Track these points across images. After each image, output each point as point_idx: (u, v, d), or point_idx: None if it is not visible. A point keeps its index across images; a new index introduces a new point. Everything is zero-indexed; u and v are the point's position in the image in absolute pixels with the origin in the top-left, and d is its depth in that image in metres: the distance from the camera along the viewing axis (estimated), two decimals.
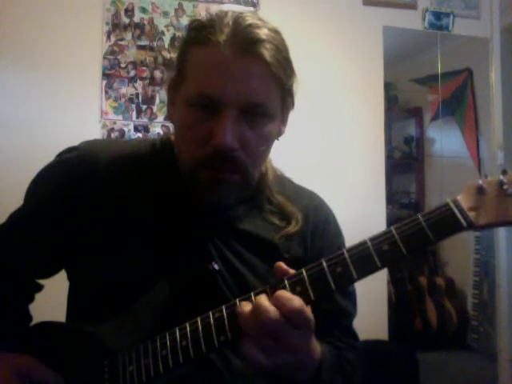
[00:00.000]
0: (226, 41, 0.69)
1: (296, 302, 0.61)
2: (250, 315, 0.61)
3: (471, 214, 0.60)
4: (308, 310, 0.62)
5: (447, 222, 0.61)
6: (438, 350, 2.54)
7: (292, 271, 0.65)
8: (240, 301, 0.65)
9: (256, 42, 0.69)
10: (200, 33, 0.72)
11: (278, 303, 0.61)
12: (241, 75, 0.69)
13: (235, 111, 0.70)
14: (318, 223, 0.86)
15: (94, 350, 0.72)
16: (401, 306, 2.58)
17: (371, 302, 1.92)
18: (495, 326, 2.60)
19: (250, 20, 0.71)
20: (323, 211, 0.89)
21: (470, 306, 2.75)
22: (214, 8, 2.32)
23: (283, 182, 0.89)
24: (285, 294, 0.62)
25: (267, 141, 0.76)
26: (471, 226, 0.60)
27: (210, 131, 0.70)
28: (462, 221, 0.60)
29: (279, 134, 0.80)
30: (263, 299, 0.61)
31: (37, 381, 0.72)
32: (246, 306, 0.62)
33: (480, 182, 0.62)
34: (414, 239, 0.61)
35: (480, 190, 0.61)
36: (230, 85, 0.69)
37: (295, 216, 0.83)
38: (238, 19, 0.71)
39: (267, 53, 0.70)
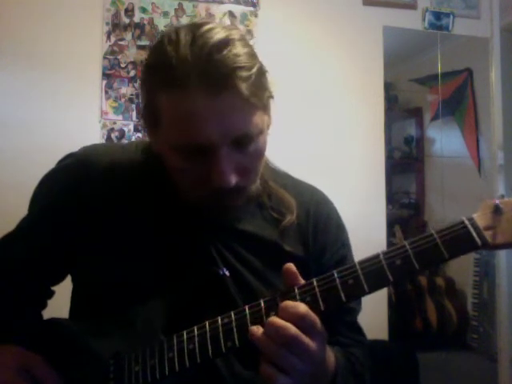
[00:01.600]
0: (196, 80, 0.64)
1: (301, 307, 0.61)
2: (265, 337, 0.61)
3: (487, 234, 0.60)
4: (313, 315, 0.62)
5: (462, 240, 0.60)
6: (438, 350, 2.54)
7: (302, 280, 0.66)
8: (249, 308, 0.66)
9: (227, 75, 0.64)
10: (163, 75, 0.67)
11: (283, 314, 0.61)
12: (223, 114, 0.66)
13: (227, 148, 0.68)
14: (320, 218, 0.85)
15: (100, 349, 0.72)
16: (401, 306, 2.57)
17: (371, 301, 1.91)
18: (495, 326, 2.61)
19: (207, 41, 0.65)
20: (325, 206, 0.88)
21: (469, 306, 2.75)
22: (214, 8, 2.32)
23: (281, 176, 0.88)
24: (288, 303, 0.62)
25: (261, 154, 0.74)
26: (486, 245, 0.60)
27: (207, 172, 0.68)
28: (477, 239, 0.60)
29: (268, 127, 0.77)
30: (274, 319, 0.62)
31: (35, 377, 0.72)
32: (259, 329, 0.62)
33: (497, 201, 0.61)
34: (428, 255, 0.61)
35: (496, 210, 0.61)
36: (215, 127, 0.66)
37: (291, 207, 0.82)
38: (194, 43, 0.65)
39: (243, 85, 0.65)
